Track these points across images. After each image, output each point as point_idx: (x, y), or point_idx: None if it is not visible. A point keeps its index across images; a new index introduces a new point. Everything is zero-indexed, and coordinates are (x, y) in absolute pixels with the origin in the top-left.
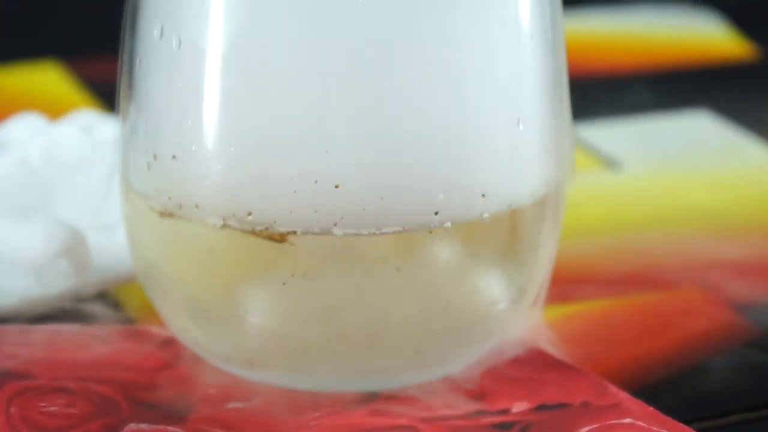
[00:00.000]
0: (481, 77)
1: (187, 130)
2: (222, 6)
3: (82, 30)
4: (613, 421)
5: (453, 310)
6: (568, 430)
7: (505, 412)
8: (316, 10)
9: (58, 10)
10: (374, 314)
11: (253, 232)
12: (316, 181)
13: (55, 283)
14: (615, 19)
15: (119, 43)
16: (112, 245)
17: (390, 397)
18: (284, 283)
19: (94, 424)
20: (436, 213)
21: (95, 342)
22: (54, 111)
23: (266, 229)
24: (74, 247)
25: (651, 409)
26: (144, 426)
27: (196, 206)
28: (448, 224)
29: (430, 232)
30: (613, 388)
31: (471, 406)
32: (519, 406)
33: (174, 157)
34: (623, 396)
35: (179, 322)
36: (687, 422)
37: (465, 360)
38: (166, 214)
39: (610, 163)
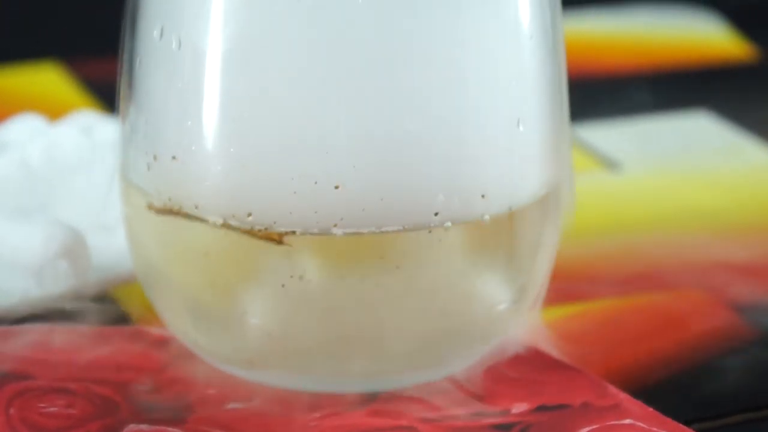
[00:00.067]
0: (480, 78)
1: (187, 130)
2: (222, 6)
3: (82, 30)
4: (613, 422)
5: (453, 311)
6: (568, 431)
7: (506, 412)
8: (316, 10)
9: (58, 10)
10: (374, 315)
11: (252, 233)
12: (315, 182)
13: (55, 284)
14: (615, 19)
15: (119, 44)
16: (112, 246)
17: (390, 398)
18: (284, 284)
19: (94, 424)
20: (435, 214)
21: (95, 343)
22: (54, 112)
23: (266, 229)
24: (74, 248)
25: (651, 409)
26: (144, 426)
27: (196, 207)
28: (448, 224)
29: (430, 232)
30: (613, 389)
31: (471, 407)
32: (519, 407)
33: (174, 157)
34: (623, 397)
35: (179, 323)
36: (687, 423)
37: (465, 361)
38: (166, 214)
39: (610, 163)
